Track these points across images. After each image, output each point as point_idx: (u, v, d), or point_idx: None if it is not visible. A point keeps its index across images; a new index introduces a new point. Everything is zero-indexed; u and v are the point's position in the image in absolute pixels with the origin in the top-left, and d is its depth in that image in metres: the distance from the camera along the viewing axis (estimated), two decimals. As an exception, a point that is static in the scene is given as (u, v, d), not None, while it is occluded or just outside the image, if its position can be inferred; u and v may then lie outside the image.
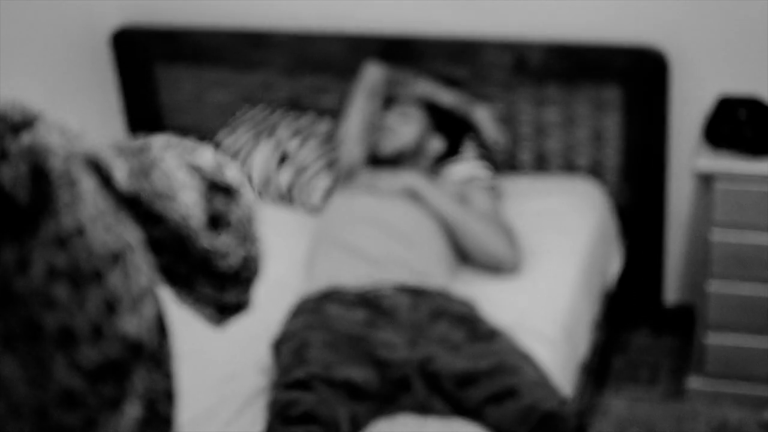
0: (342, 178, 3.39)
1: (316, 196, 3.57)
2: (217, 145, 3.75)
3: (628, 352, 3.75)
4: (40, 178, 0.54)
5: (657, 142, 3.51)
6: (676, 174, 3.59)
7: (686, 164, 3.45)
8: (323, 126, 3.75)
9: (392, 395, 2.58)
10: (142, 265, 0.58)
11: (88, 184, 0.56)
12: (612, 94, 3.52)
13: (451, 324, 2.73)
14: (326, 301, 2.81)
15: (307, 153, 3.65)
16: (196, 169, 0.65)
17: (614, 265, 3.52)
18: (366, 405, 2.52)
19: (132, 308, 0.56)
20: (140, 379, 0.57)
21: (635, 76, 3.44)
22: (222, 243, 0.65)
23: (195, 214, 0.62)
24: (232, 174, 0.66)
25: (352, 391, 2.49)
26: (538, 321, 2.89)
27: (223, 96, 4.00)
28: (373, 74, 3.47)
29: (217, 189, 0.65)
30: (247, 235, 0.66)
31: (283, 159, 3.63)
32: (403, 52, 3.65)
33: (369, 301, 2.81)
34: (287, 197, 3.62)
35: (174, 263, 0.63)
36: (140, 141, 0.64)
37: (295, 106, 3.89)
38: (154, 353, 0.59)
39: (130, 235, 0.57)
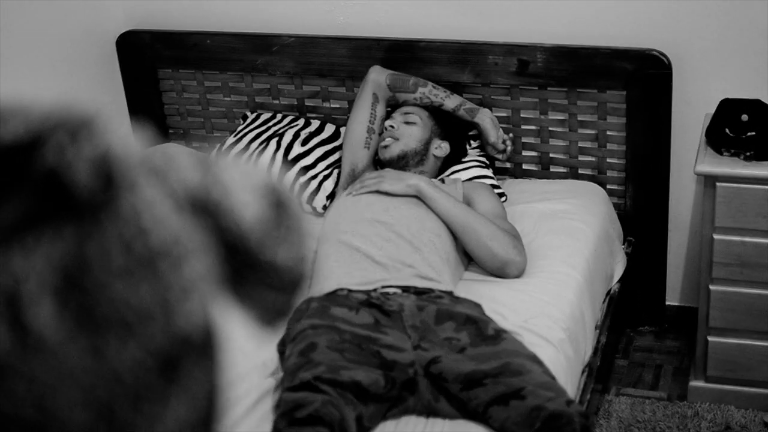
0: (346, 181, 3.41)
1: (322, 201, 3.59)
2: (223, 151, 3.77)
3: (631, 354, 3.77)
4: (104, 182, 0.57)
5: (660, 146, 3.53)
6: (679, 177, 3.61)
7: (689, 167, 3.47)
8: (329, 130, 3.77)
9: (398, 397, 2.59)
10: (198, 267, 0.60)
11: (149, 188, 0.58)
12: (615, 98, 3.53)
13: (457, 326, 2.75)
14: (332, 302, 2.82)
15: (313, 157, 3.66)
16: (254, 183, 0.68)
17: (618, 267, 3.53)
18: (372, 407, 2.53)
19: (183, 303, 0.58)
20: (189, 375, 0.60)
21: (638, 80, 3.46)
22: (279, 254, 0.68)
23: (255, 226, 0.65)
24: (284, 188, 0.69)
25: (358, 392, 2.50)
26: (542, 323, 2.90)
27: (228, 101, 4.02)
28: (376, 77, 3.50)
29: (274, 203, 0.68)
30: (299, 246, 0.70)
31: (288, 164, 3.64)
32: (406, 56, 3.67)
33: (374, 303, 2.82)
34: (298, 203, 3.64)
35: (233, 271, 0.66)
36: (205, 155, 0.68)
37: (301, 110, 3.91)
38: (203, 352, 0.61)
39: (191, 239, 0.60)
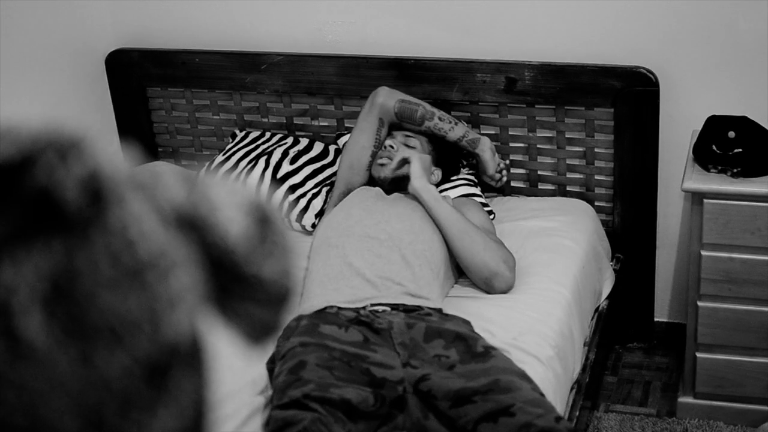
0: (338, 198, 3.40)
1: (311, 219, 3.59)
2: (211, 169, 3.77)
3: (620, 371, 3.77)
4: (93, 197, 0.59)
5: (647, 163, 3.54)
6: (667, 194, 3.63)
7: (676, 184, 3.48)
8: (317, 149, 3.77)
9: (388, 415, 2.59)
10: (184, 279, 0.62)
11: (136, 203, 0.60)
12: (603, 115, 3.55)
13: (446, 343, 2.75)
14: (321, 320, 2.82)
15: (302, 176, 3.67)
16: (239, 200, 0.70)
17: (606, 284, 3.54)
18: (362, 424, 2.52)
19: (170, 313, 0.60)
20: (177, 385, 0.61)
21: (626, 97, 3.47)
22: (265, 268, 0.69)
23: (240, 240, 0.67)
24: (269, 205, 0.71)
25: (348, 410, 2.50)
26: (531, 340, 2.91)
27: (216, 119, 4.02)
28: (384, 102, 3.43)
29: (259, 219, 0.70)
30: (284, 261, 0.71)
31: (277, 182, 3.64)
32: (395, 74, 3.68)
33: (363, 321, 2.83)
34: (282, 220, 3.64)
35: (219, 286, 0.68)
36: (190, 173, 0.70)
37: (289, 129, 3.92)
38: (190, 362, 0.63)
39: (178, 252, 0.62)
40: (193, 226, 0.65)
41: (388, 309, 2.89)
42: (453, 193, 3.49)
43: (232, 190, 0.70)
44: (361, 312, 2.86)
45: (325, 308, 2.90)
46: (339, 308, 2.89)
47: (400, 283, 2.97)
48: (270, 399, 2.64)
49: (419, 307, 2.90)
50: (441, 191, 3.50)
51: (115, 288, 0.58)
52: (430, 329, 2.79)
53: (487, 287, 3.11)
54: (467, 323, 2.87)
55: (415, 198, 3.22)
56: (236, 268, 0.68)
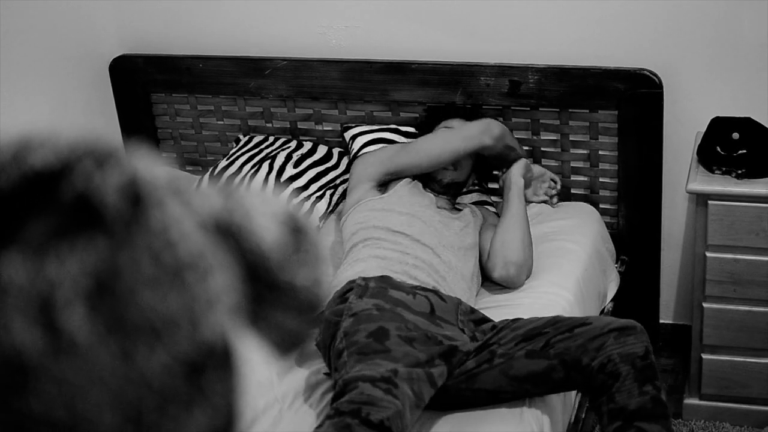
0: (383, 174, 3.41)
1: (314, 222, 3.60)
2: (215, 174, 3.78)
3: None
4: (132, 201, 0.60)
5: (652, 164, 3.54)
6: (671, 195, 3.63)
7: (681, 186, 3.48)
8: (321, 152, 3.78)
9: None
10: (222, 281, 0.63)
11: (175, 207, 0.62)
12: (607, 118, 3.55)
13: (493, 325, 2.83)
14: (388, 284, 2.83)
15: (305, 179, 3.67)
16: (274, 210, 0.72)
17: (611, 286, 3.54)
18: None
19: (208, 314, 0.61)
20: (211, 386, 0.63)
21: (630, 100, 3.47)
22: (299, 276, 0.71)
23: (275, 248, 0.68)
24: (303, 216, 0.73)
25: (432, 386, 2.55)
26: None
27: (221, 124, 4.03)
28: (495, 144, 3.39)
29: (293, 228, 0.71)
30: (317, 270, 0.73)
31: (281, 186, 3.65)
32: (398, 78, 3.69)
33: (430, 288, 2.88)
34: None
35: (253, 293, 0.69)
36: (230, 183, 0.71)
37: (293, 133, 3.93)
38: (224, 363, 0.64)
39: (215, 254, 0.63)
40: (229, 233, 0.66)
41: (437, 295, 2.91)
42: (466, 199, 3.54)
43: (266, 201, 0.71)
44: (417, 287, 2.89)
45: (383, 276, 2.90)
46: (396, 279, 2.91)
47: (439, 283, 3.00)
48: (342, 351, 2.61)
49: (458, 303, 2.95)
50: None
51: (155, 286, 0.59)
52: (481, 318, 2.90)
53: (504, 270, 3.16)
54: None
55: (466, 219, 3.30)
56: (270, 275, 0.69)
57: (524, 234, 3.21)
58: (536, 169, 3.53)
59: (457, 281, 3.03)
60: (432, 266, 3.00)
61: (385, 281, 2.84)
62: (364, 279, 2.85)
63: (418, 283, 2.91)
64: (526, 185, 3.41)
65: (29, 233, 0.58)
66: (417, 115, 3.68)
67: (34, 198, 0.59)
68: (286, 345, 0.75)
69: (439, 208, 3.29)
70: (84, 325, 0.57)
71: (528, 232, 3.23)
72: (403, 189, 3.30)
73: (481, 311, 2.96)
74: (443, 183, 3.42)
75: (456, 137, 3.36)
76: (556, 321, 2.71)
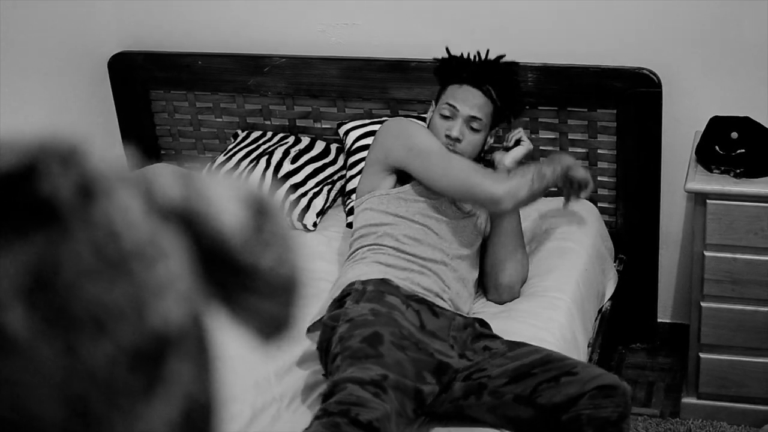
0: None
1: (312, 218, 3.60)
2: (213, 169, 3.78)
3: (624, 372, 3.77)
4: (83, 193, 0.60)
5: (650, 163, 3.55)
6: (670, 194, 3.63)
7: (679, 185, 3.48)
8: (318, 147, 3.78)
9: (435, 398, 2.64)
10: (174, 267, 0.63)
11: (124, 196, 0.61)
12: (606, 117, 3.55)
13: (490, 340, 2.80)
14: (385, 289, 2.80)
15: (303, 175, 3.67)
16: (236, 193, 0.70)
17: (609, 285, 3.54)
18: (421, 411, 2.57)
19: (158, 301, 0.60)
20: (171, 376, 0.62)
21: (629, 99, 3.48)
22: (263, 258, 0.70)
23: (236, 231, 0.67)
24: (268, 196, 0.72)
25: (418, 402, 2.53)
26: (535, 342, 2.91)
27: (219, 122, 4.03)
28: (516, 200, 2.97)
29: (255, 209, 0.70)
30: (285, 251, 0.72)
31: (278, 181, 3.65)
32: (398, 77, 3.69)
33: (423, 300, 2.84)
34: (283, 211, 3.64)
35: (219, 280, 0.68)
36: (186, 170, 0.71)
37: (292, 131, 3.93)
38: (187, 351, 0.63)
39: (167, 241, 0.63)
40: (189, 221, 0.66)
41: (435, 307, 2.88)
42: None
43: (228, 184, 0.70)
44: (414, 296, 2.85)
45: (384, 279, 2.86)
46: (398, 284, 2.86)
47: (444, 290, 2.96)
48: (336, 356, 2.60)
49: (458, 313, 2.92)
50: None
51: (97, 278, 0.59)
52: (474, 333, 2.84)
53: (497, 294, 3.15)
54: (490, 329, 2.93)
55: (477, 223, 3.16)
56: (233, 259, 0.68)
57: (516, 250, 3.13)
58: (580, 172, 3.16)
59: (461, 289, 3.00)
60: (438, 274, 2.95)
61: (383, 285, 2.81)
62: (363, 282, 2.83)
63: (421, 291, 2.88)
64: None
65: None
66: (416, 113, 3.68)
67: None
68: (269, 331, 0.74)
69: (451, 202, 3.10)
70: (24, 322, 0.57)
71: (521, 244, 3.16)
72: (419, 187, 3.07)
73: (478, 318, 2.95)
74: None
75: (479, 188, 2.92)
76: (545, 362, 2.65)
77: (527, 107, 3.58)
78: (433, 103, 3.19)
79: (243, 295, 0.70)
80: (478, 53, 3.14)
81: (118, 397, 0.59)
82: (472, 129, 3.06)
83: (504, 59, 3.14)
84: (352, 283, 2.83)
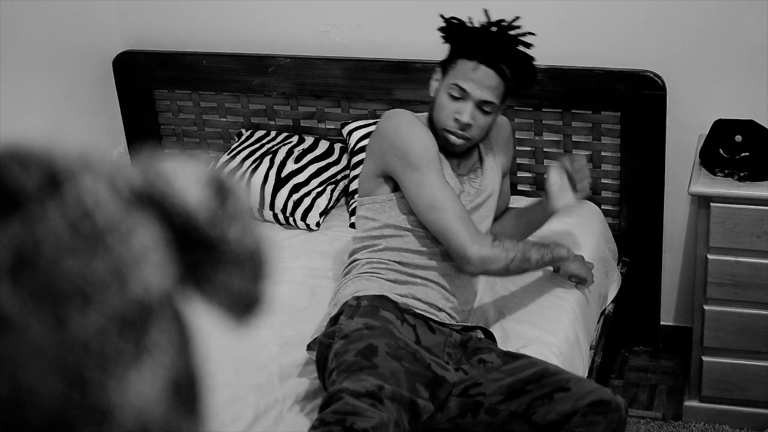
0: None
1: (315, 218, 3.60)
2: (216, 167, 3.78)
3: (626, 374, 3.77)
4: (48, 181, 0.63)
5: (654, 166, 3.55)
6: (673, 197, 3.63)
7: (683, 188, 3.48)
8: (322, 147, 3.78)
9: (432, 415, 2.62)
10: (146, 239, 0.65)
11: (89, 179, 0.64)
12: (610, 119, 3.55)
13: (485, 354, 2.78)
14: (380, 304, 2.76)
15: (306, 174, 3.68)
16: (196, 173, 0.73)
17: (612, 287, 3.54)
18: (417, 426, 2.55)
19: (136, 271, 0.63)
20: (155, 343, 0.64)
21: (633, 101, 3.48)
22: (229, 229, 0.71)
23: (200, 206, 0.69)
24: (227, 176, 0.75)
25: (413, 413, 2.51)
26: (535, 350, 2.91)
27: (223, 121, 4.03)
28: (483, 268, 2.85)
29: (216, 188, 0.73)
30: (249, 224, 0.73)
31: (282, 181, 3.65)
32: (402, 77, 3.69)
33: (420, 315, 2.81)
34: (286, 219, 3.65)
35: (188, 259, 0.71)
36: (148, 155, 0.74)
37: (296, 131, 3.93)
38: (166, 319, 0.65)
39: (137, 218, 0.65)
40: (152, 200, 0.68)
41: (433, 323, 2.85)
42: None
43: (187, 166, 0.73)
44: (409, 311, 2.81)
45: (381, 296, 2.81)
46: (395, 301, 2.82)
47: (449, 299, 2.94)
48: (332, 371, 2.58)
49: (457, 327, 2.88)
50: None
51: (77, 253, 0.61)
52: (470, 348, 2.82)
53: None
54: (494, 339, 2.91)
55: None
56: (200, 234, 0.70)
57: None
58: (572, 268, 3.14)
59: (469, 292, 2.98)
60: (442, 284, 2.89)
61: (378, 300, 2.78)
62: (357, 298, 2.79)
63: (420, 306, 2.85)
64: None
65: None
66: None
67: None
68: (240, 308, 0.76)
69: (461, 193, 2.93)
70: (12, 299, 0.59)
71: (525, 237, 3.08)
72: None
73: (483, 329, 2.95)
74: (451, 148, 2.91)
75: (455, 239, 2.79)
76: (540, 377, 2.63)
77: (531, 109, 3.58)
78: (439, 70, 2.94)
79: (212, 272, 0.72)
80: (490, 23, 2.91)
81: (110, 365, 0.61)
82: (484, 111, 2.84)
83: (519, 29, 2.91)
84: (347, 300, 2.81)
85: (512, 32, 2.89)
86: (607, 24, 3.51)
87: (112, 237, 0.63)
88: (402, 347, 2.63)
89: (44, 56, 3.72)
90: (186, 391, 0.67)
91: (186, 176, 0.71)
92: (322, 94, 3.84)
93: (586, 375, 3.13)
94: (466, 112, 2.81)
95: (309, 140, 3.82)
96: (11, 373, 0.59)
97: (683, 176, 3.49)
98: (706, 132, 3.34)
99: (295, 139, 3.83)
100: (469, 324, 2.93)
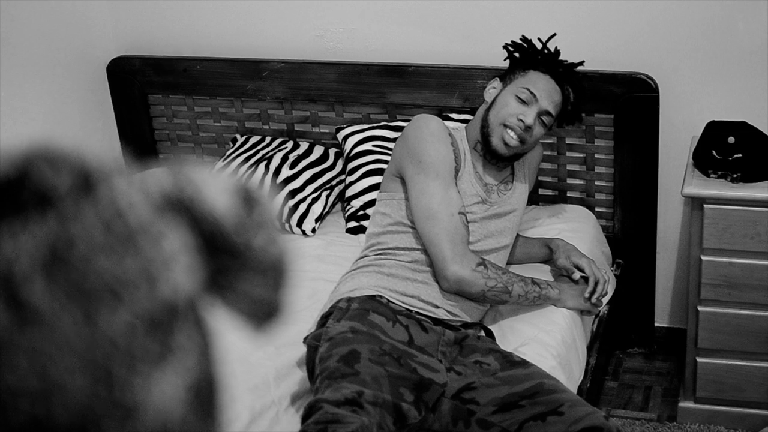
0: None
1: (311, 224, 3.61)
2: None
3: (621, 376, 3.78)
4: (82, 183, 0.64)
5: (648, 168, 3.56)
6: (667, 199, 3.64)
7: (676, 189, 3.49)
8: (317, 152, 3.78)
9: (423, 419, 2.61)
10: (176, 242, 0.66)
11: (122, 183, 0.65)
12: (603, 121, 3.56)
13: (483, 354, 2.78)
14: (369, 307, 2.78)
15: (301, 180, 3.68)
16: (224, 183, 0.74)
17: (608, 290, 3.54)
18: (404, 430, 2.55)
19: (165, 272, 0.64)
20: (181, 343, 0.65)
21: (626, 104, 3.49)
22: (255, 238, 0.72)
23: (228, 214, 0.70)
24: (254, 186, 0.76)
25: (397, 416, 2.51)
26: (532, 351, 2.91)
27: (218, 126, 4.04)
28: (461, 289, 2.89)
29: (244, 198, 0.74)
30: (273, 232, 0.74)
31: (277, 187, 3.65)
32: (396, 81, 3.70)
33: (413, 316, 2.81)
34: (282, 224, 3.65)
35: (214, 265, 0.71)
36: (181, 162, 0.75)
37: (290, 135, 3.93)
38: (190, 321, 0.66)
39: (167, 221, 0.66)
40: (181, 207, 0.69)
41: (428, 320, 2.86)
42: None
43: (216, 176, 0.74)
44: (402, 312, 2.82)
45: (375, 296, 2.84)
46: (389, 300, 2.84)
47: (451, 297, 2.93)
48: (316, 378, 2.61)
49: (455, 326, 2.89)
50: None
51: (110, 252, 0.62)
52: (467, 345, 2.82)
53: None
54: (494, 340, 2.91)
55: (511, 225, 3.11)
56: (227, 241, 0.71)
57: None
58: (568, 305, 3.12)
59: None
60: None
61: (370, 302, 2.79)
62: (349, 300, 2.81)
63: (416, 303, 2.86)
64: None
65: None
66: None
67: None
68: (260, 315, 0.77)
69: (482, 203, 3.01)
70: (45, 294, 0.60)
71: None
72: None
73: (483, 326, 2.96)
74: (502, 153, 3.00)
75: (440, 252, 2.85)
76: (534, 392, 2.62)
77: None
78: (497, 79, 3.08)
79: (235, 279, 0.73)
80: (557, 50, 3.10)
81: (137, 363, 0.63)
82: (542, 122, 2.98)
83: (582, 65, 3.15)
84: (339, 301, 2.83)
85: (579, 68, 3.14)
86: (600, 27, 3.53)
87: (143, 238, 0.64)
88: (387, 352, 2.63)
89: (38, 61, 3.72)
90: (205, 394, 0.68)
91: (215, 184, 0.72)
92: (317, 99, 3.85)
93: (582, 376, 3.13)
94: (530, 115, 2.95)
95: (304, 146, 3.82)
96: (40, 366, 0.60)
97: (677, 178, 3.50)
98: (699, 134, 3.34)
99: (289, 144, 3.83)
100: (469, 321, 2.93)
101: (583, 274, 3.12)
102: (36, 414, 0.59)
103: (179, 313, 0.65)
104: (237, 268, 0.72)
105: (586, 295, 3.06)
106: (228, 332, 0.79)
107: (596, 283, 3.07)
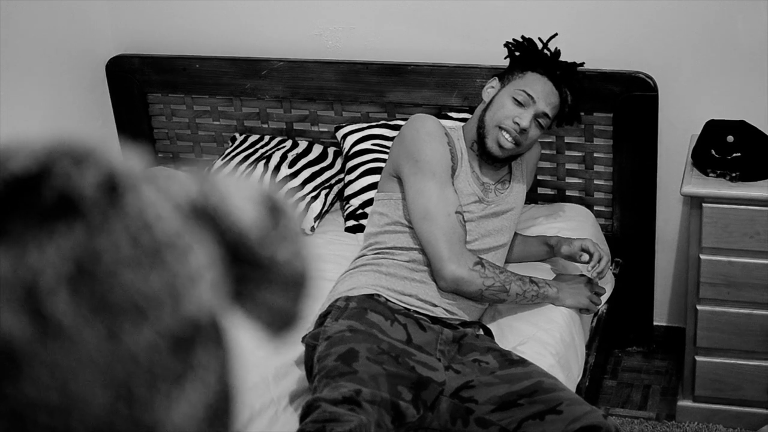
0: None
1: (310, 222, 3.61)
2: (212, 173, 3.79)
3: (620, 375, 3.78)
4: (109, 190, 0.62)
5: (647, 167, 3.56)
6: (666, 198, 3.64)
7: (675, 188, 3.49)
8: (316, 151, 3.78)
9: (422, 417, 2.62)
10: (202, 258, 0.65)
11: (150, 192, 0.64)
12: (602, 120, 3.56)
13: (481, 353, 2.78)
14: (367, 306, 2.78)
15: (300, 179, 3.68)
16: (250, 191, 0.74)
17: (606, 288, 3.54)
18: (402, 429, 2.55)
19: (191, 289, 0.63)
20: (201, 362, 0.64)
21: (625, 103, 3.49)
22: (279, 250, 0.72)
23: (253, 225, 0.70)
24: (279, 196, 0.75)
25: (395, 414, 2.51)
26: (531, 349, 2.92)
27: (217, 125, 4.03)
28: (455, 287, 2.90)
29: (269, 207, 0.73)
30: (299, 246, 0.74)
31: (276, 185, 3.66)
32: (395, 80, 3.70)
33: (411, 315, 2.81)
34: (292, 208, 3.64)
35: (237, 274, 0.71)
36: (205, 171, 0.74)
37: (289, 134, 3.93)
38: (212, 339, 0.65)
39: (194, 235, 0.65)
40: (207, 216, 0.68)
41: (427, 319, 2.86)
42: None
43: (242, 184, 0.73)
44: (400, 311, 2.82)
45: (373, 295, 2.84)
46: (387, 299, 2.84)
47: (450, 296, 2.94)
48: (315, 377, 2.62)
49: (454, 324, 2.89)
50: None
51: (136, 266, 0.61)
52: (465, 344, 2.83)
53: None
54: (493, 339, 2.91)
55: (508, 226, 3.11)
56: (251, 252, 0.70)
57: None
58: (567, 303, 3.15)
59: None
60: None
61: (368, 301, 2.80)
62: (347, 299, 2.81)
63: (415, 302, 2.86)
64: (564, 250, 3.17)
65: (10, 227, 0.60)
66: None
67: (15, 199, 0.61)
68: (278, 325, 0.76)
69: (479, 202, 3.03)
70: (69, 308, 0.59)
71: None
72: None
73: (482, 325, 2.96)
74: (497, 155, 3.02)
75: (437, 252, 2.86)
76: (533, 391, 2.63)
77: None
78: (496, 79, 3.09)
79: (256, 289, 0.72)
80: (558, 51, 3.10)
81: (158, 381, 0.62)
82: (538, 124, 3.00)
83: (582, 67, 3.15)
84: (337, 300, 2.83)
85: (579, 69, 3.13)
86: (599, 26, 3.53)
87: (170, 252, 0.63)
88: (385, 351, 2.63)
89: (37, 60, 3.72)
90: (222, 410, 0.67)
91: (241, 194, 0.71)
92: (316, 97, 3.85)
93: (581, 375, 3.14)
94: (526, 117, 2.96)
95: (303, 145, 3.82)
96: (61, 380, 0.59)
97: (675, 177, 3.49)
98: (698, 133, 3.34)
99: (288, 143, 3.83)
100: (468, 319, 2.94)
101: (586, 271, 3.13)
102: (55, 428, 0.59)
103: (201, 330, 0.64)
104: (259, 278, 0.72)
105: (590, 268, 3.07)
106: (233, 331, 0.79)
107: (600, 260, 3.08)
